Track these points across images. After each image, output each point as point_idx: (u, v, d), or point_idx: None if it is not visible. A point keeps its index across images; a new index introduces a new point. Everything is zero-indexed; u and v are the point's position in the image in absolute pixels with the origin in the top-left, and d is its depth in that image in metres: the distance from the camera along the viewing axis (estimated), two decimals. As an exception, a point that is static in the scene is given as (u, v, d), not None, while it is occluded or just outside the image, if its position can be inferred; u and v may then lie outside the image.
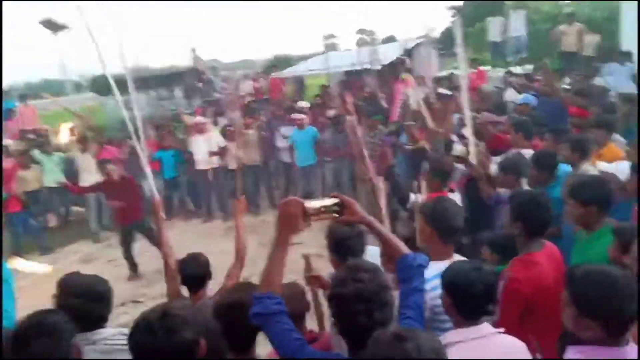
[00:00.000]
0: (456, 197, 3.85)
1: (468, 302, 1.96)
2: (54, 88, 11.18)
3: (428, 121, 6.14)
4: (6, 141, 9.02)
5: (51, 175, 8.56)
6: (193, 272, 2.95)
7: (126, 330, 2.26)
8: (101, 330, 2.24)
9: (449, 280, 2.00)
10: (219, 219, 8.79)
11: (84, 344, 1.96)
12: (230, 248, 3.29)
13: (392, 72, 10.13)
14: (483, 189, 4.32)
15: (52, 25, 10.68)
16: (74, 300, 2.19)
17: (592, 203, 2.70)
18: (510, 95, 8.09)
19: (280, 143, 8.81)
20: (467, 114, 4.61)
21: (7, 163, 8.28)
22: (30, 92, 15.07)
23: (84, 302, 2.19)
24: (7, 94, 11.42)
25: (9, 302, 2.84)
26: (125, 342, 2.13)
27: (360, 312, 1.59)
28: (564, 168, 3.86)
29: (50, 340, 1.71)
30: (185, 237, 7.58)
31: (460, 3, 31.46)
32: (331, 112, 8.70)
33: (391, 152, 5.64)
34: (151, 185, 3.78)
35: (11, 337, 1.75)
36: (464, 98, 4.57)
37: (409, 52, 12.93)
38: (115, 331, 2.27)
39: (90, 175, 8.26)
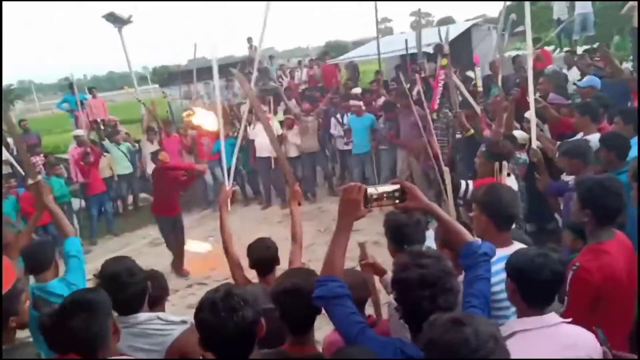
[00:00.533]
0: (512, 182, 3.71)
1: (534, 289, 1.90)
2: (120, 80, 11.75)
3: (476, 109, 5.97)
4: (77, 131, 9.57)
5: (120, 163, 9.11)
6: (262, 256, 2.99)
7: (163, 315, 2.39)
8: (137, 314, 2.33)
9: (515, 267, 1.94)
10: (277, 205, 8.99)
11: (120, 326, 2.07)
12: (288, 234, 3.35)
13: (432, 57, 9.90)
14: (540, 178, 4.17)
15: (116, 19, 11.04)
16: (109, 284, 2.29)
17: None
18: (574, 76, 7.70)
19: (335, 131, 8.83)
20: (531, 97, 4.46)
21: (75, 151, 8.92)
22: (96, 85, 15.86)
23: (118, 286, 2.28)
24: (76, 87, 12.10)
25: (79, 277, 2.91)
26: (159, 326, 2.28)
27: (424, 297, 1.60)
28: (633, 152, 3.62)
29: (89, 316, 1.82)
30: (244, 223, 7.82)
31: (521, -20, 30.11)
32: (380, 100, 8.63)
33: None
34: (223, 173, 3.91)
35: (55, 312, 1.89)
36: (530, 80, 4.41)
37: (467, 34, 12.57)
38: (151, 315, 2.37)
39: (151, 163, 8.69)
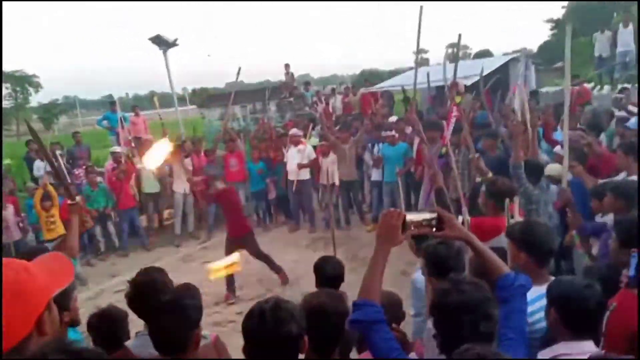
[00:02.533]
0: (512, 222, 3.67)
1: (579, 318, 1.93)
2: (161, 100, 12.12)
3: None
4: (114, 147, 9.93)
5: (147, 182, 9.23)
6: (328, 272, 3.09)
7: None
8: None
9: (561, 296, 1.97)
10: (305, 229, 9.03)
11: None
12: (315, 257, 3.40)
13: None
14: (572, 216, 4.09)
15: (162, 42, 11.52)
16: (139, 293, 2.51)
17: None
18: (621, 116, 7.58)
19: (369, 159, 8.89)
20: (566, 131, 4.41)
21: (111, 166, 9.27)
22: (138, 104, 16.41)
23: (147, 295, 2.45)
24: (119, 105, 12.60)
25: None
26: None
27: (465, 323, 1.58)
28: None
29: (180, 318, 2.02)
30: (272, 245, 7.88)
31: (559, 15, 29.97)
32: (408, 129, 8.65)
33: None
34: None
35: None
36: (566, 115, 4.38)
37: (504, 67, 12.55)
38: None
39: (181, 182, 8.95)
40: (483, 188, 4.08)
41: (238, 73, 9.99)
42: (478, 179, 5.91)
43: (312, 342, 1.98)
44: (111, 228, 8.79)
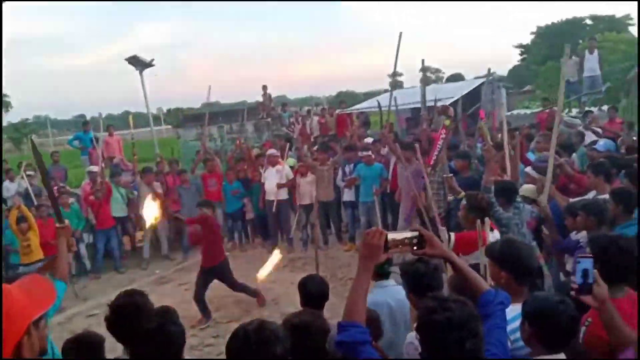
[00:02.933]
0: (494, 236, 3.77)
1: (553, 333, 1.96)
2: (135, 120, 12.01)
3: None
4: (91, 167, 9.72)
5: (116, 204, 8.94)
6: (313, 290, 3.11)
7: None
8: None
9: (535, 311, 2.00)
10: (284, 249, 8.98)
11: None
12: (293, 278, 3.42)
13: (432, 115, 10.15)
14: (548, 234, 4.19)
15: (138, 63, 11.49)
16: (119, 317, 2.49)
17: None
18: (590, 138, 7.86)
19: (340, 180, 8.91)
20: (552, 153, 4.50)
21: (87, 186, 9.08)
22: (113, 124, 16.20)
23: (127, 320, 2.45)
24: (91, 124, 12.44)
25: None
26: None
27: (452, 341, 1.59)
28: None
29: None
30: (250, 266, 7.79)
31: (528, 41, 31.01)
32: (384, 150, 8.78)
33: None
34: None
35: None
36: (554, 137, 4.47)
37: (477, 91, 12.88)
38: None
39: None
40: (463, 202, 4.16)
41: (209, 92, 10.07)
42: (450, 198, 6.03)
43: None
44: (83, 250, 8.56)
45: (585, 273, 2.02)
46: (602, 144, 6.22)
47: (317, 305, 3.02)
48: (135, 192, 9.07)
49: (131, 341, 2.32)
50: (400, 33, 6.84)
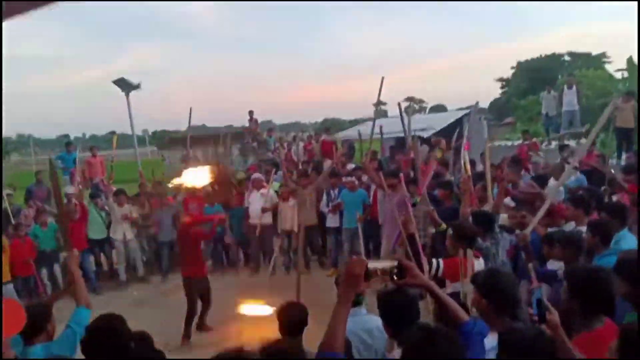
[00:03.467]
0: (479, 264, 3.82)
1: None
2: (120, 141, 11.93)
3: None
4: (67, 188, 9.55)
5: (92, 226, 8.83)
6: (291, 317, 3.10)
7: None
8: None
9: (513, 346, 1.99)
10: (266, 273, 8.90)
11: None
12: (276, 304, 3.39)
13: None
14: (526, 258, 4.24)
15: (125, 85, 11.53)
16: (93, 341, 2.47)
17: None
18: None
19: (324, 206, 8.93)
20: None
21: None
22: (97, 145, 16.08)
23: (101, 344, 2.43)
24: (74, 144, 12.32)
25: (65, 347, 2.89)
26: None
27: None
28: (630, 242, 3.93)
29: None
30: (230, 290, 7.69)
31: (509, 75, 31.89)
32: (364, 178, 8.84)
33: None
34: None
35: None
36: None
37: (458, 122, 13.14)
38: None
39: (120, 228, 8.80)
40: (450, 232, 4.20)
41: (190, 115, 10.09)
42: (432, 230, 6.06)
43: None
44: (57, 271, 8.37)
45: (539, 303, 2.07)
46: (574, 179, 6.43)
47: (296, 332, 3.00)
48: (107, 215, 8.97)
49: None
50: (382, 78, 7.04)
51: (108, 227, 9.04)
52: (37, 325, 2.96)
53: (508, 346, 2.01)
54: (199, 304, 6.59)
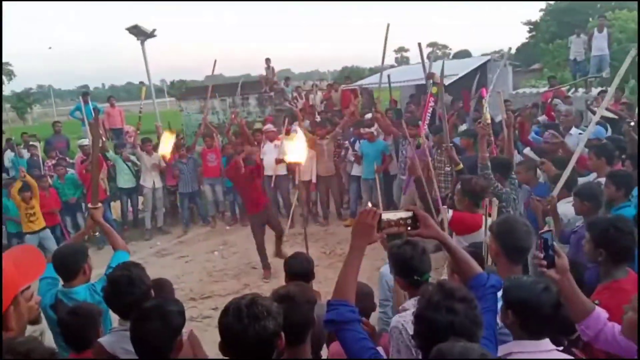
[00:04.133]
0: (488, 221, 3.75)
1: (536, 322, 1.95)
2: (138, 91, 11.90)
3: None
4: (82, 140, 9.58)
5: (122, 176, 8.96)
6: (299, 269, 3.13)
7: None
8: None
9: (517, 300, 1.98)
10: (284, 224, 9.01)
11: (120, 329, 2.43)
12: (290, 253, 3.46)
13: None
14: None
15: (139, 32, 11.28)
16: (114, 288, 2.55)
17: None
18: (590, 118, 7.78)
19: (350, 156, 8.86)
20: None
21: (80, 159, 9.03)
22: (114, 95, 16.10)
23: (121, 291, 2.52)
24: (93, 96, 12.31)
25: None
26: None
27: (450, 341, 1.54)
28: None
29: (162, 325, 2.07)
30: (251, 240, 7.81)
31: (537, 18, 30.49)
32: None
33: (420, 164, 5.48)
34: None
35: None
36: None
37: (483, 68, 12.70)
38: None
39: (149, 176, 8.85)
40: (458, 186, 4.15)
41: (214, 66, 9.87)
42: (447, 168, 5.97)
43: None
44: (81, 220, 8.58)
45: (545, 246, 2.02)
46: (593, 132, 6.19)
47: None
48: (139, 163, 9.06)
49: (129, 317, 2.33)
50: (388, 25, 6.74)
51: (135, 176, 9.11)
52: (73, 267, 3.08)
53: (514, 303, 1.98)
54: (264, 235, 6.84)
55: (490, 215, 3.76)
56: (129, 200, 9.32)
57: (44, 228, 7.57)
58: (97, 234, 4.03)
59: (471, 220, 3.84)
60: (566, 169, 3.87)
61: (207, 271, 7.23)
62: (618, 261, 2.50)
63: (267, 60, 15.36)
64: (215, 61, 9.80)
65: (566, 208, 3.93)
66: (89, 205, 3.52)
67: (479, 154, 4.51)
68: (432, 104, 6.54)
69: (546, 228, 2.59)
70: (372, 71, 24.68)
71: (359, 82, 14.72)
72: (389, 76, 9.59)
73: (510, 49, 12.30)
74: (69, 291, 3.00)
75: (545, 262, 2.01)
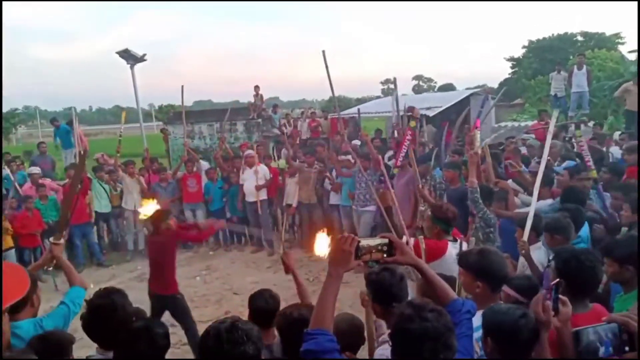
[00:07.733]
0: (456, 247, 3.78)
1: (514, 348, 1.97)
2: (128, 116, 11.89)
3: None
4: (31, 169, 9.46)
5: (99, 200, 8.90)
6: (262, 307, 2.92)
7: None
8: None
9: (497, 326, 2.00)
10: (266, 250, 8.97)
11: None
12: (276, 279, 3.39)
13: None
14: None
15: (130, 56, 11.40)
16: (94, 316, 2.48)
17: (628, 262, 2.70)
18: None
19: (327, 184, 8.80)
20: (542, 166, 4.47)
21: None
22: (101, 118, 16.05)
23: (102, 319, 2.45)
24: (57, 119, 12.31)
25: (56, 323, 2.72)
26: None
27: (426, 351, 1.57)
28: None
29: None
30: (234, 266, 7.80)
31: (519, 54, 31.39)
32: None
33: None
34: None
35: None
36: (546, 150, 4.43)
37: (466, 101, 13.00)
38: None
39: (131, 199, 8.81)
40: (428, 212, 4.19)
41: (182, 92, 9.87)
42: (422, 207, 6.02)
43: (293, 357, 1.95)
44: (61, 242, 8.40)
45: (551, 289, 1.99)
46: (564, 165, 6.43)
47: (266, 322, 2.76)
48: (120, 185, 9.01)
49: (114, 341, 2.29)
50: (323, 51, 6.90)
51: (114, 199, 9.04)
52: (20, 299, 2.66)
53: (492, 330, 2.01)
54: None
55: (456, 240, 3.82)
56: (105, 225, 9.26)
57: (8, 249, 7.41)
58: (51, 268, 3.84)
59: (435, 248, 3.77)
60: (528, 214, 3.76)
61: (189, 296, 7.10)
62: (577, 293, 2.38)
63: (256, 88, 15.53)
64: (182, 87, 9.80)
65: (539, 254, 3.82)
66: (51, 239, 3.27)
67: (469, 179, 4.60)
68: (409, 137, 6.66)
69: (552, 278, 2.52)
70: (359, 101, 25.04)
71: (347, 111, 14.96)
72: (358, 109, 9.75)
73: (483, 84, 12.60)
74: (12, 325, 2.54)
75: (553, 307, 1.97)
